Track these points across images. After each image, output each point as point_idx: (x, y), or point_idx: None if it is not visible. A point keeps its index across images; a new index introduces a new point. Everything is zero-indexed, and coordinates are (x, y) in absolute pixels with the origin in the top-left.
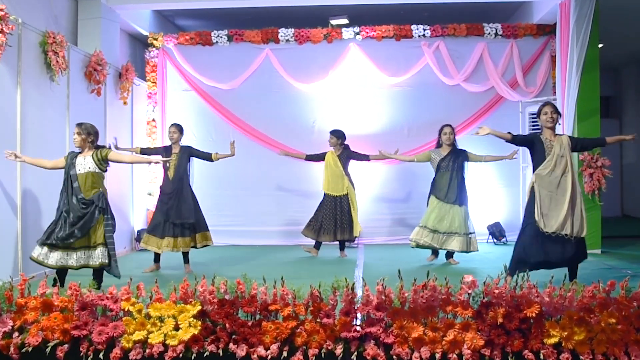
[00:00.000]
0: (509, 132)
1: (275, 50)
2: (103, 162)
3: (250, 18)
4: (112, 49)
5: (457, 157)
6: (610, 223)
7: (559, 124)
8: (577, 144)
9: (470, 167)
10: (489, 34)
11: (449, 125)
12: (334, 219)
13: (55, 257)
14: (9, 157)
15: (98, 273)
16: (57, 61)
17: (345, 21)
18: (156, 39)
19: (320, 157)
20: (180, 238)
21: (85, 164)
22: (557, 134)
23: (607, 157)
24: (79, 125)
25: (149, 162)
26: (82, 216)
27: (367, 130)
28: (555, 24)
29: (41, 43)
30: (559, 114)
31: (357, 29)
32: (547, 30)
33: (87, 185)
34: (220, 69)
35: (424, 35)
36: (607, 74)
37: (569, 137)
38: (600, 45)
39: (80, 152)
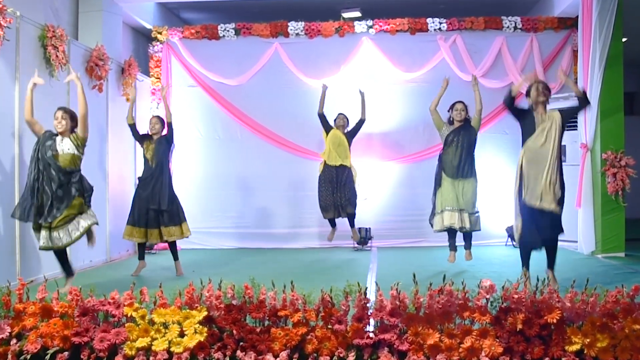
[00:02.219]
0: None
1: (285, 44)
2: (80, 144)
3: (259, 11)
4: (114, 43)
5: (466, 132)
6: (634, 225)
7: (548, 103)
8: (565, 115)
9: (488, 170)
10: (508, 27)
11: (461, 102)
12: (339, 192)
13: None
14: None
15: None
16: (57, 56)
17: (357, 14)
18: (160, 33)
19: (326, 125)
20: (152, 229)
21: (63, 145)
22: (547, 112)
23: (631, 156)
24: (64, 109)
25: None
26: (59, 194)
27: (380, 127)
28: (577, 17)
29: (40, 37)
30: (549, 90)
31: (370, 22)
32: (568, 24)
33: (65, 165)
34: (227, 64)
35: (440, 28)
36: (631, 69)
37: (560, 111)
38: (623, 40)
39: (57, 135)
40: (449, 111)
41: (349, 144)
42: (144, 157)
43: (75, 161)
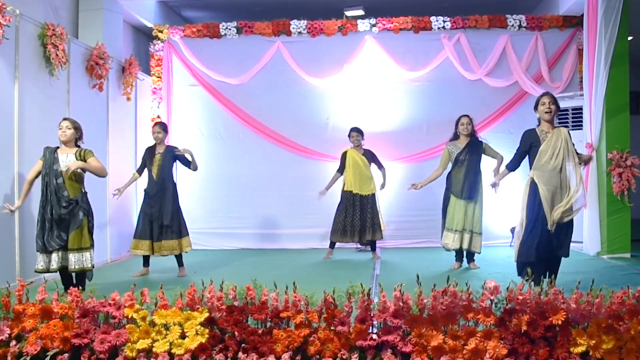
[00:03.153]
0: (500, 165)
1: (287, 43)
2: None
3: (261, 9)
4: (115, 41)
5: (475, 150)
6: None
7: (558, 117)
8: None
9: (487, 166)
10: (513, 26)
11: (467, 116)
12: (361, 219)
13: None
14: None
15: (80, 277)
16: (57, 55)
17: (360, 12)
18: (161, 32)
19: (343, 161)
20: (164, 241)
21: (68, 162)
22: (555, 127)
23: (637, 156)
24: (69, 119)
25: (115, 192)
26: (64, 215)
27: (384, 127)
28: (582, 15)
29: (40, 35)
30: (557, 106)
31: (373, 21)
32: (573, 22)
33: (70, 183)
34: (228, 63)
35: (443, 27)
36: (637, 68)
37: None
38: (630, 38)
39: (58, 148)
40: (455, 127)
41: (369, 165)
42: (149, 170)
43: (78, 179)
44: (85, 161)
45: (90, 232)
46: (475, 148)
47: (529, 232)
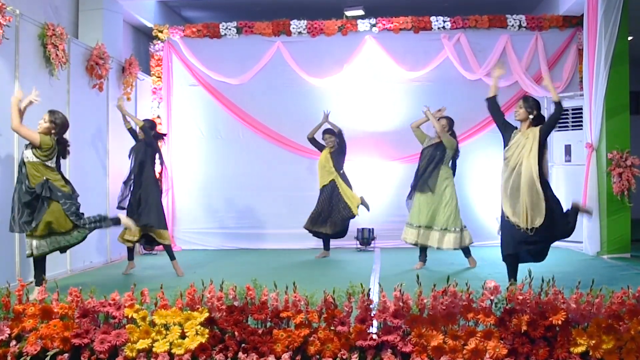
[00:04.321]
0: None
1: (287, 43)
2: (38, 150)
3: (261, 9)
4: (115, 41)
5: (438, 148)
6: None
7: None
8: (544, 130)
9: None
10: (513, 26)
11: (447, 117)
12: (329, 207)
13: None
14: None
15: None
16: (57, 55)
17: (360, 12)
18: (161, 32)
19: (319, 147)
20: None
21: (27, 152)
22: (532, 127)
23: (637, 156)
24: (52, 113)
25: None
26: (28, 203)
27: (383, 127)
28: (582, 15)
29: (40, 35)
30: (533, 108)
31: (373, 21)
32: (573, 22)
33: (31, 174)
34: (228, 63)
35: (443, 27)
36: (637, 68)
37: (541, 126)
38: (630, 38)
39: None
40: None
41: (336, 163)
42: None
43: (38, 169)
44: (39, 148)
45: (72, 213)
46: (441, 147)
47: (503, 226)
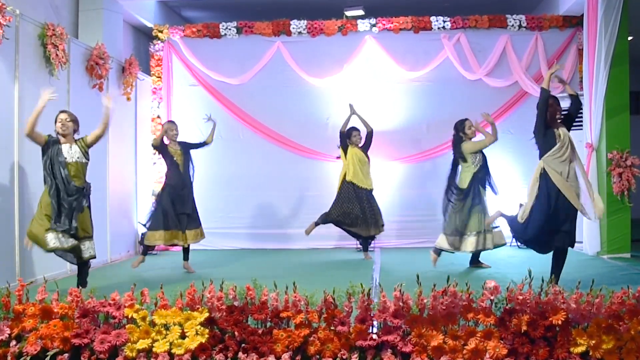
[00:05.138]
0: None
1: (287, 43)
2: (87, 151)
3: (261, 9)
4: (115, 41)
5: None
6: None
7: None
8: (568, 127)
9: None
10: (513, 26)
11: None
12: (363, 212)
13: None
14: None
15: (84, 267)
16: (57, 55)
17: (360, 12)
18: (161, 32)
19: (344, 143)
20: (187, 231)
21: (73, 153)
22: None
23: (637, 156)
24: (66, 111)
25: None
26: (71, 203)
27: (384, 127)
28: (582, 15)
29: (40, 35)
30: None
31: (373, 21)
32: (573, 22)
33: (76, 174)
34: (228, 63)
35: (443, 27)
36: (637, 68)
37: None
38: (630, 38)
39: (58, 140)
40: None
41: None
42: (174, 162)
43: (82, 170)
44: (88, 146)
45: (91, 221)
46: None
47: (535, 220)
